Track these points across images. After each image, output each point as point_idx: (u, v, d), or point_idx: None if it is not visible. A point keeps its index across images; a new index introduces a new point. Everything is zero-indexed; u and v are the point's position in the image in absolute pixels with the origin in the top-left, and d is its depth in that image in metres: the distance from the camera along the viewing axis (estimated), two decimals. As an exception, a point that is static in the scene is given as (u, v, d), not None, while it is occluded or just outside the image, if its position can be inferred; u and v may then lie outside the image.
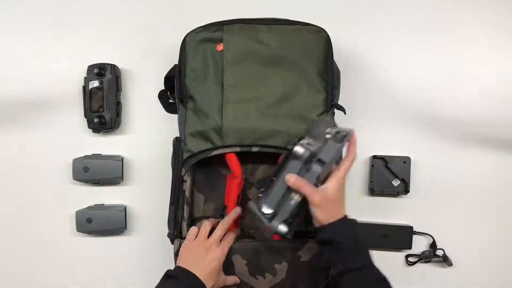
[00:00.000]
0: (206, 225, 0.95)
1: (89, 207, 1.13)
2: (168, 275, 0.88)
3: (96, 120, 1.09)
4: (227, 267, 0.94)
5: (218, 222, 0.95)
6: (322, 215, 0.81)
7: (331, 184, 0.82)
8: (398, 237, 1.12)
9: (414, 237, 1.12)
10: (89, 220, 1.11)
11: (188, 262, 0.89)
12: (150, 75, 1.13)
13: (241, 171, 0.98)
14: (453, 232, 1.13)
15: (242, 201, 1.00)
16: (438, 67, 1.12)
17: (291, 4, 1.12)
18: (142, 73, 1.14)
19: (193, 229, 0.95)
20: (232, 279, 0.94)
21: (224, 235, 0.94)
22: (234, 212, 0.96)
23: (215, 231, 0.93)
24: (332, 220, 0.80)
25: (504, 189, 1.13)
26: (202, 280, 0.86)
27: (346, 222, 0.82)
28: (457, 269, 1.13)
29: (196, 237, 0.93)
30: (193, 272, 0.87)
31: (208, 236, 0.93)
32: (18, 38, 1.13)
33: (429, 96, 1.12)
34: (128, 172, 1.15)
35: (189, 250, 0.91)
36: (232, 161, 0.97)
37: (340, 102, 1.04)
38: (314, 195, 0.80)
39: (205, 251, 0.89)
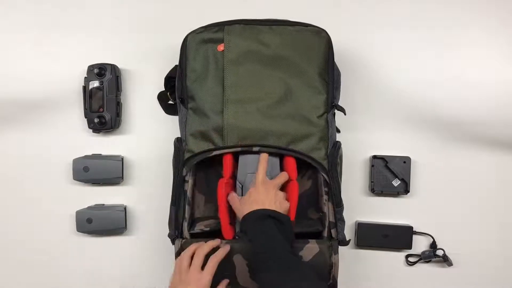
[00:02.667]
0: (184, 257, 0.90)
1: (89, 207, 1.13)
2: None
3: (96, 120, 1.09)
4: (228, 268, 0.94)
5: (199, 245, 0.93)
6: (238, 215, 0.94)
7: (247, 192, 0.94)
8: (398, 237, 1.12)
9: (414, 237, 1.12)
10: (89, 220, 1.11)
11: None
12: (150, 75, 1.13)
13: (229, 172, 0.98)
14: (453, 232, 1.13)
15: None
16: (438, 68, 1.12)
17: (292, 4, 1.12)
18: (142, 73, 1.14)
19: (177, 261, 0.92)
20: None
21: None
22: (213, 242, 0.94)
23: (194, 259, 0.90)
24: (241, 216, 0.92)
25: (504, 189, 1.13)
26: None
27: (251, 216, 0.89)
28: (457, 269, 1.13)
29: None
30: None
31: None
32: (18, 38, 1.13)
33: (429, 96, 1.12)
34: (128, 172, 1.15)
35: (174, 283, 0.89)
36: (225, 161, 0.98)
37: (340, 103, 1.05)
38: (232, 202, 0.96)
39: (188, 284, 0.86)
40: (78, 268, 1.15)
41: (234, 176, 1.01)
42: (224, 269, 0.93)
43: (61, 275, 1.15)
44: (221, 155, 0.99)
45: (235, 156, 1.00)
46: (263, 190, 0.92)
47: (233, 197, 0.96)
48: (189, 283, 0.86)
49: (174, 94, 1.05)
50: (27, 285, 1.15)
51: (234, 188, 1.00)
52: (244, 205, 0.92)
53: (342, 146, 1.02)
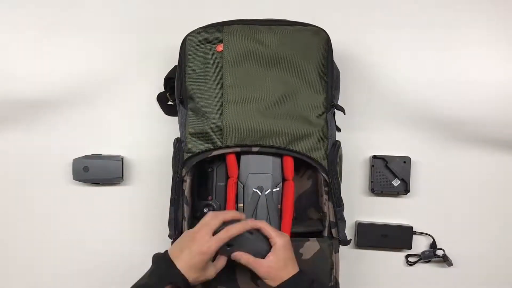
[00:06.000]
0: (213, 216, 0.88)
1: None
2: (153, 260, 0.87)
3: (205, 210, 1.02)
4: (228, 268, 0.94)
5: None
6: (272, 283, 0.86)
7: (273, 256, 0.86)
8: (398, 237, 1.12)
9: (414, 237, 1.12)
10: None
11: (176, 250, 0.86)
12: (150, 75, 1.13)
13: (236, 172, 0.99)
14: (453, 232, 1.13)
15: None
16: (438, 67, 1.12)
17: (291, 4, 1.12)
18: (142, 73, 1.14)
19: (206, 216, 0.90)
20: (221, 263, 0.90)
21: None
22: (237, 213, 0.92)
23: (209, 219, 0.88)
24: (279, 283, 0.85)
25: (504, 189, 1.13)
26: (183, 272, 0.83)
27: (292, 282, 0.85)
28: (457, 269, 1.13)
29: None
30: (176, 261, 0.84)
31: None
32: (18, 38, 1.13)
33: (429, 96, 1.12)
34: (128, 172, 1.15)
35: (182, 237, 0.88)
36: (230, 162, 0.99)
37: (340, 102, 1.05)
38: (260, 268, 0.86)
39: (192, 241, 0.85)
40: (78, 271, 1.15)
41: None
42: (226, 268, 0.93)
43: (60, 275, 1.15)
44: (223, 156, 0.99)
45: (237, 156, 1.00)
46: (286, 254, 0.87)
47: (246, 257, 0.87)
48: (194, 241, 0.85)
49: (173, 95, 1.05)
50: (27, 284, 1.15)
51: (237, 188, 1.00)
52: (274, 273, 0.85)
53: (342, 145, 1.02)
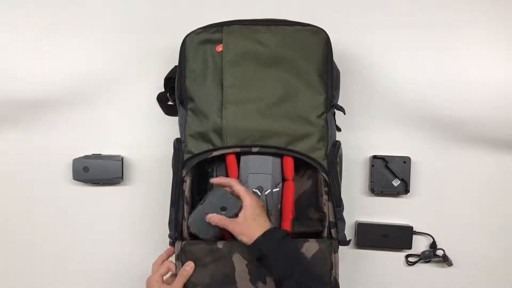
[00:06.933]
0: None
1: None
2: None
3: None
4: (227, 267, 0.94)
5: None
6: (247, 239, 0.89)
7: (242, 214, 0.91)
8: (398, 237, 1.12)
9: (414, 237, 1.12)
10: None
11: None
12: (150, 76, 1.13)
13: (236, 172, 0.99)
14: (453, 232, 1.13)
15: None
16: (438, 67, 1.12)
17: (291, 4, 1.12)
18: (142, 73, 1.14)
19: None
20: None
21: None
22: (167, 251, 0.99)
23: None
24: (253, 239, 0.88)
25: (504, 189, 1.13)
26: None
27: (266, 237, 0.88)
28: (457, 269, 1.13)
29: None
30: None
31: None
32: (18, 38, 1.13)
33: (429, 96, 1.12)
34: (128, 172, 1.15)
35: None
36: (230, 162, 0.99)
37: (340, 103, 1.05)
38: (234, 227, 0.90)
39: None
40: (78, 270, 1.15)
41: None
42: (223, 269, 0.93)
43: (60, 274, 1.15)
44: (222, 156, 0.99)
45: (237, 156, 1.00)
46: (254, 212, 0.91)
47: (222, 219, 0.91)
48: None
49: (173, 95, 1.05)
50: (27, 284, 1.15)
51: None
52: (247, 230, 0.89)
53: (342, 146, 1.02)
